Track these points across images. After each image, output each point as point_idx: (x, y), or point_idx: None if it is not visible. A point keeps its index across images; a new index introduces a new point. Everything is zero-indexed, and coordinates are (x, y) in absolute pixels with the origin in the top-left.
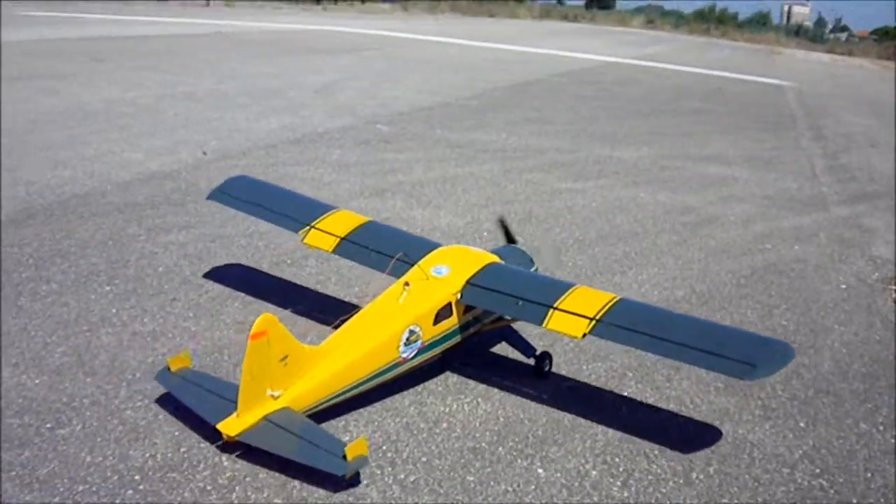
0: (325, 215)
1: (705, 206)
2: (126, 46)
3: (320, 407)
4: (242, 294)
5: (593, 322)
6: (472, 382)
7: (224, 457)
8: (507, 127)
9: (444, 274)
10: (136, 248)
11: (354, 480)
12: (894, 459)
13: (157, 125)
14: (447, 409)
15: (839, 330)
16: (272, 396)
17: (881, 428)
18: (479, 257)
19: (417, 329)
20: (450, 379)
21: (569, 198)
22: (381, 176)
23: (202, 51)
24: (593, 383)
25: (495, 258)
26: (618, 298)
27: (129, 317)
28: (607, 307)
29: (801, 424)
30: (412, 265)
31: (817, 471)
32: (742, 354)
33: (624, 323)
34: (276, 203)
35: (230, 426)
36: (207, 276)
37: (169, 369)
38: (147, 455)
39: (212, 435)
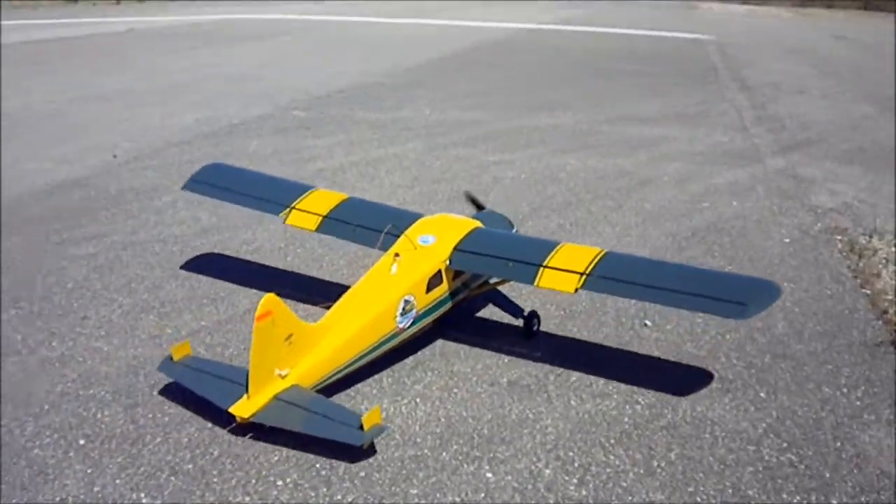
0: (303, 195)
1: (638, 169)
2: (34, 51)
3: (327, 382)
4: (157, 305)
5: (584, 277)
6: (407, 382)
7: (143, 493)
8: (431, 103)
9: (431, 242)
10: (44, 264)
11: (370, 450)
12: (861, 423)
13: (66, 130)
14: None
15: (788, 287)
16: (280, 375)
17: (845, 390)
18: (462, 224)
19: (412, 298)
20: (384, 380)
21: (497, 171)
22: (300, 164)
23: (114, 49)
24: (536, 370)
25: (478, 223)
26: (605, 252)
27: (35, 342)
28: (596, 261)
29: (762, 395)
30: (398, 237)
31: (784, 445)
32: (732, 295)
33: (614, 275)
34: (253, 188)
35: (242, 408)
36: (118, 288)
37: (172, 359)
38: (57, 499)
39: (219, 419)
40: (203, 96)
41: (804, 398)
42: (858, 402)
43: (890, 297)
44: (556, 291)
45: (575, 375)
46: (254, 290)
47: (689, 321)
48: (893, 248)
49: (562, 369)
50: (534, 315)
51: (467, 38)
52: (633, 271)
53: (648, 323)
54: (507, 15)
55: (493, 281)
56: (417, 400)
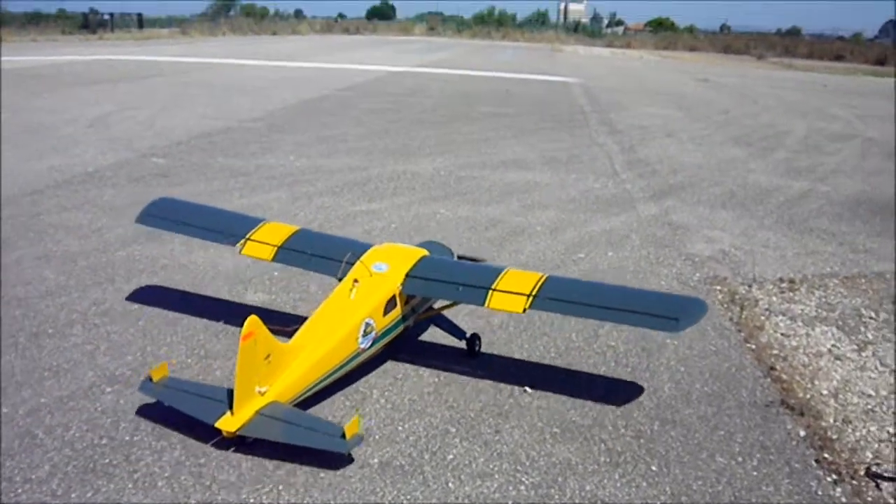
0: (257, 227)
1: (510, 217)
2: None
3: (299, 399)
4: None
5: (531, 298)
6: (269, 467)
7: None
8: (296, 149)
9: (385, 270)
10: None
11: (349, 458)
12: (763, 495)
13: None
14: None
15: (671, 345)
16: (260, 392)
17: (739, 459)
18: (411, 252)
19: (372, 321)
20: (244, 463)
21: (365, 221)
22: None
23: None
24: (411, 448)
25: (425, 252)
26: (546, 276)
27: None
28: (540, 284)
29: (654, 468)
30: (352, 265)
31: None
32: (665, 311)
33: (558, 296)
34: (206, 221)
35: (228, 423)
36: None
37: (151, 380)
38: None
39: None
40: (59, 140)
41: (698, 470)
42: (755, 473)
43: (776, 352)
44: (505, 312)
45: (452, 453)
46: (99, 362)
47: (571, 386)
48: (774, 298)
49: (438, 446)
50: (476, 337)
51: (340, 80)
52: (575, 292)
53: (529, 389)
54: (381, 58)
55: (436, 306)
56: (280, 488)
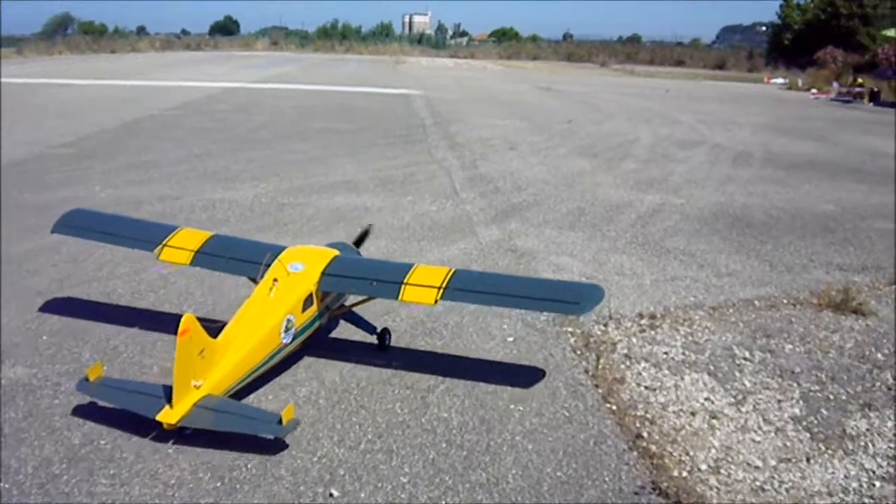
0: (172, 234)
1: None
2: None
3: (231, 392)
4: None
5: (441, 290)
6: None
7: None
8: (104, 177)
9: (301, 269)
10: None
11: (283, 444)
12: None
13: None
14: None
15: (517, 412)
16: (195, 386)
17: None
18: (324, 252)
19: (292, 318)
20: None
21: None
22: None
23: None
24: None
25: (336, 252)
26: (454, 270)
27: None
28: (448, 277)
29: None
30: (269, 266)
31: None
32: (566, 296)
33: (467, 287)
34: (122, 229)
35: (169, 416)
36: None
37: (87, 379)
38: None
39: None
40: None
41: None
42: None
43: (641, 413)
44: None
45: None
46: None
47: (389, 484)
48: (635, 339)
49: None
50: (386, 331)
51: (169, 99)
52: (482, 283)
53: (335, 493)
54: (218, 74)
55: (347, 303)
56: None
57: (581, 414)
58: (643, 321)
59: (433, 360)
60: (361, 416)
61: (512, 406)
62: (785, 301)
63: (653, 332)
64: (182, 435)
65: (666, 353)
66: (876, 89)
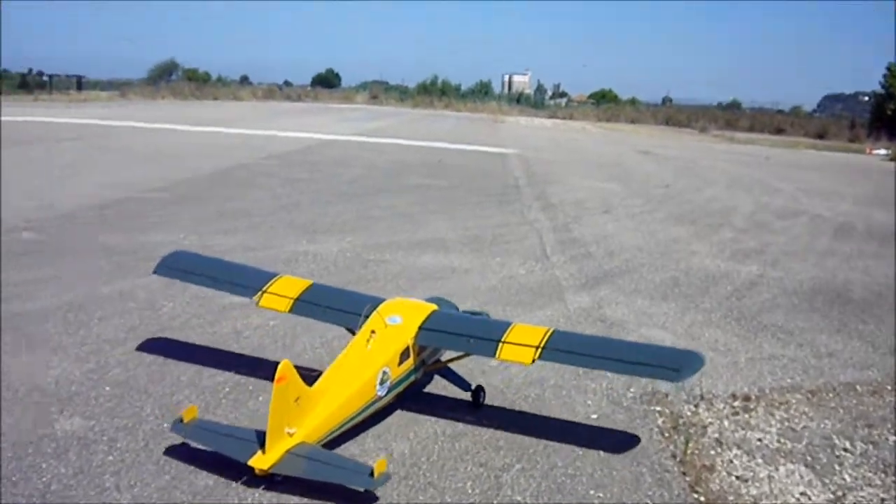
0: (272, 281)
1: None
2: None
3: (323, 441)
4: None
5: (539, 350)
6: None
7: None
8: (192, 224)
9: (398, 322)
10: None
11: (373, 497)
12: None
13: None
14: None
15: (597, 498)
16: (289, 434)
17: None
18: (422, 307)
19: (388, 370)
20: None
21: (241, 317)
22: None
23: None
24: None
25: (435, 306)
26: (553, 329)
27: None
28: (547, 337)
29: None
30: (367, 317)
31: None
32: (665, 362)
33: (565, 348)
34: (223, 273)
35: (261, 461)
36: None
37: (182, 420)
38: None
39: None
40: None
41: None
42: None
43: None
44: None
45: None
46: None
47: None
48: (726, 422)
49: None
50: (480, 388)
51: (265, 148)
52: (581, 345)
53: None
54: (317, 126)
55: (443, 359)
56: None
57: (665, 501)
58: (736, 403)
59: (510, 435)
60: (429, 494)
61: (592, 492)
62: (889, 387)
63: (746, 416)
64: (272, 481)
65: (760, 439)
66: None
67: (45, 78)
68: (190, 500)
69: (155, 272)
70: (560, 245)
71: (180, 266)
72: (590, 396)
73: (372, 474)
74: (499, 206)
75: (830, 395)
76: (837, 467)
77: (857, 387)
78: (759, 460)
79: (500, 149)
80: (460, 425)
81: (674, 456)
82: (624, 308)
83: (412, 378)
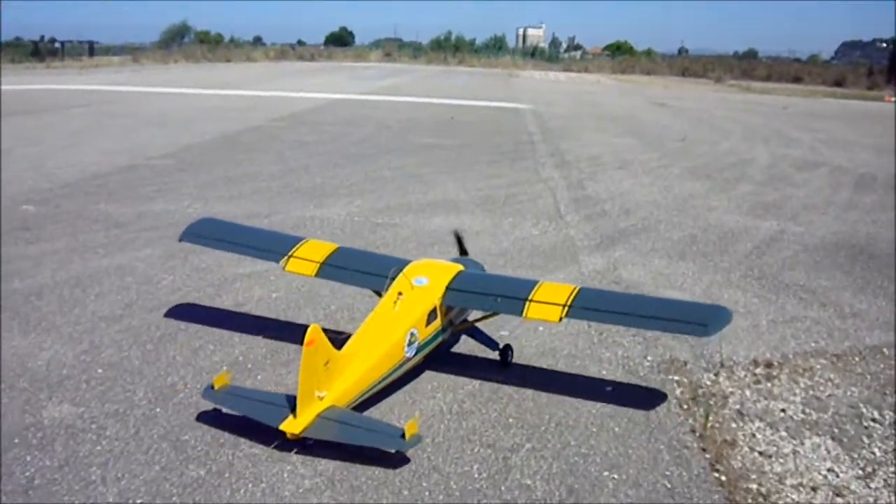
0: (298, 245)
1: None
2: None
3: (354, 404)
4: None
5: (566, 308)
6: None
7: None
8: (197, 191)
9: (425, 283)
10: None
11: (404, 458)
12: None
13: None
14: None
15: (611, 481)
16: (319, 397)
17: None
18: (449, 267)
19: (416, 331)
20: None
21: (244, 289)
22: None
23: None
24: None
25: (461, 266)
26: (579, 288)
27: None
28: (574, 295)
29: None
30: (394, 279)
31: None
32: (693, 318)
33: (592, 305)
34: (250, 239)
35: (293, 425)
36: None
37: (213, 387)
38: None
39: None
40: None
41: None
42: None
43: (755, 486)
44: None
45: None
46: None
47: None
48: (748, 392)
49: None
50: (508, 347)
51: (276, 110)
52: (608, 302)
53: None
54: (329, 85)
55: (470, 318)
56: None
57: (685, 486)
58: (758, 370)
59: (519, 413)
60: (433, 480)
61: (606, 473)
62: None
63: (769, 384)
64: (304, 445)
65: (784, 410)
66: None
67: (56, 45)
68: (178, 493)
69: (181, 239)
70: (574, 203)
71: (206, 233)
72: (605, 366)
73: (403, 436)
74: (511, 163)
75: (856, 359)
76: (866, 440)
77: (885, 350)
78: (783, 433)
79: (514, 104)
80: (467, 403)
81: (693, 431)
82: (640, 269)
83: (440, 339)
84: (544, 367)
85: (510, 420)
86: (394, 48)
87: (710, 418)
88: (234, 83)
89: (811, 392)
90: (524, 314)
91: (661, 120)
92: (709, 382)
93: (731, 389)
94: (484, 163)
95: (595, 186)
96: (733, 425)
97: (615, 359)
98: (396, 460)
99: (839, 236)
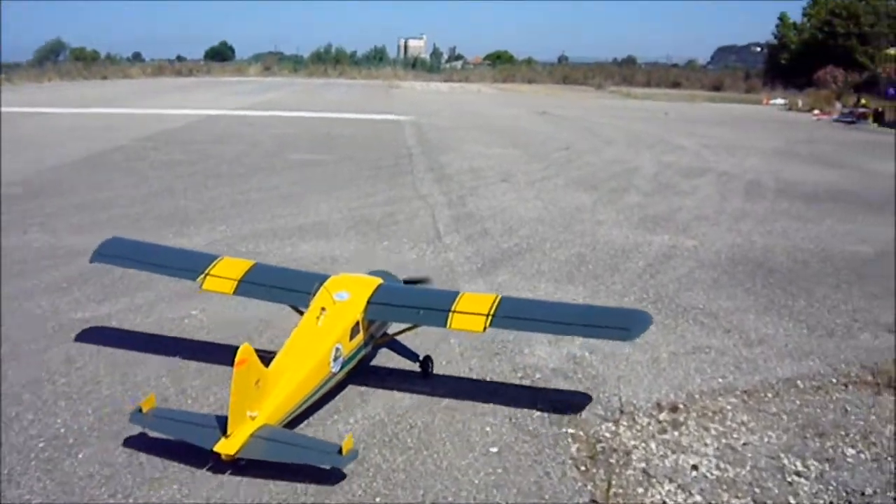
0: (214, 263)
1: (282, 318)
2: None
3: (284, 422)
4: None
5: (489, 318)
6: None
7: None
8: (45, 221)
9: (347, 298)
10: None
11: (341, 474)
12: None
13: None
14: None
15: None
16: (251, 417)
17: None
18: (369, 281)
19: (340, 346)
20: None
21: (91, 332)
22: None
23: None
24: None
25: (380, 280)
26: (500, 297)
27: None
28: (496, 304)
29: None
30: (314, 294)
31: None
32: (615, 323)
33: (514, 314)
34: (162, 258)
35: (227, 446)
36: None
37: (140, 410)
38: None
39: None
40: None
41: None
42: None
43: None
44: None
45: None
46: None
47: None
48: (654, 444)
49: None
50: (428, 359)
51: (144, 128)
52: (529, 310)
53: None
54: (203, 101)
55: (390, 332)
56: None
57: None
58: (663, 416)
59: (389, 489)
60: None
61: None
62: (834, 380)
63: (676, 433)
64: (238, 466)
65: (696, 466)
66: (880, 109)
67: None
68: None
69: (92, 261)
70: (454, 222)
71: (117, 252)
72: (489, 420)
73: (340, 452)
74: (389, 180)
75: (769, 395)
76: (792, 500)
77: (799, 382)
78: (698, 497)
79: (393, 116)
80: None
81: (594, 501)
82: (526, 294)
83: (363, 353)
84: (419, 424)
85: (377, 501)
86: (274, 62)
87: (613, 482)
88: (104, 101)
89: (724, 440)
90: (448, 325)
91: (543, 129)
92: (608, 434)
93: (634, 442)
94: (361, 179)
95: (476, 202)
96: (640, 490)
97: (501, 411)
98: (333, 477)
99: (735, 250)
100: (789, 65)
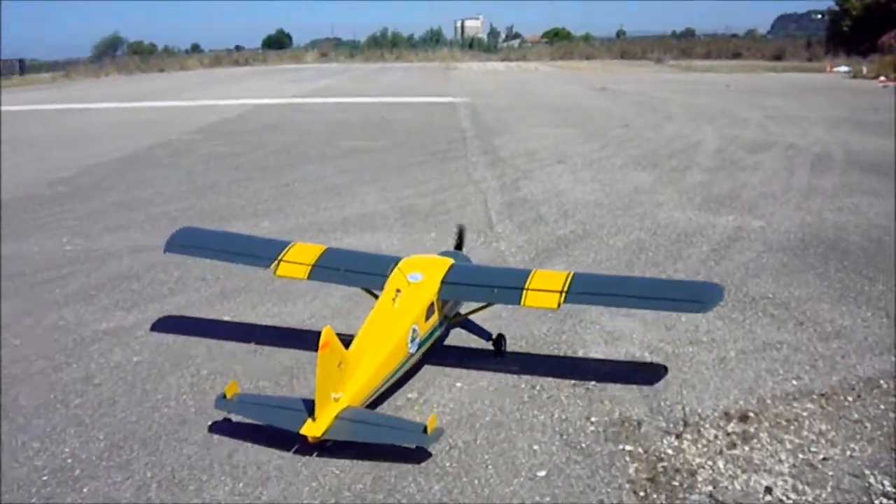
0: (286, 249)
1: (322, 317)
2: None
3: (366, 403)
4: None
5: (563, 294)
6: None
7: None
8: (81, 224)
9: (420, 279)
10: None
11: (426, 453)
12: None
13: None
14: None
15: None
16: (335, 399)
17: None
18: (440, 262)
19: (416, 327)
20: None
21: (102, 352)
22: None
23: None
24: None
25: (451, 260)
26: (573, 273)
27: None
28: (569, 280)
29: None
30: (387, 277)
31: None
32: (688, 296)
33: (588, 290)
34: (235, 246)
35: (313, 429)
36: None
37: (225, 396)
38: None
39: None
40: None
41: None
42: None
43: None
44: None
45: None
46: None
47: None
48: (720, 461)
49: None
50: (501, 337)
51: (195, 120)
52: (603, 286)
53: None
54: (258, 90)
55: (463, 311)
56: None
57: None
58: (732, 426)
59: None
60: None
61: None
62: None
63: (747, 448)
64: (324, 447)
65: (769, 488)
66: None
67: None
68: None
69: (166, 251)
70: (507, 209)
71: (190, 242)
72: (536, 437)
73: (425, 431)
74: (441, 165)
75: (850, 399)
76: None
77: (882, 382)
78: None
79: (448, 98)
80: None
81: None
82: None
83: (437, 333)
84: (459, 444)
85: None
86: (330, 48)
87: None
88: (158, 94)
89: (801, 455)
90: (522, 303)
91: (601, 106)
92: (671, 451)
93: (699, 460)
94: (412, 166)
95: (531, 186)
96: None
97: (551, 423)
98: (418, 456)
99: (805, 230)
100: (851, 31)
